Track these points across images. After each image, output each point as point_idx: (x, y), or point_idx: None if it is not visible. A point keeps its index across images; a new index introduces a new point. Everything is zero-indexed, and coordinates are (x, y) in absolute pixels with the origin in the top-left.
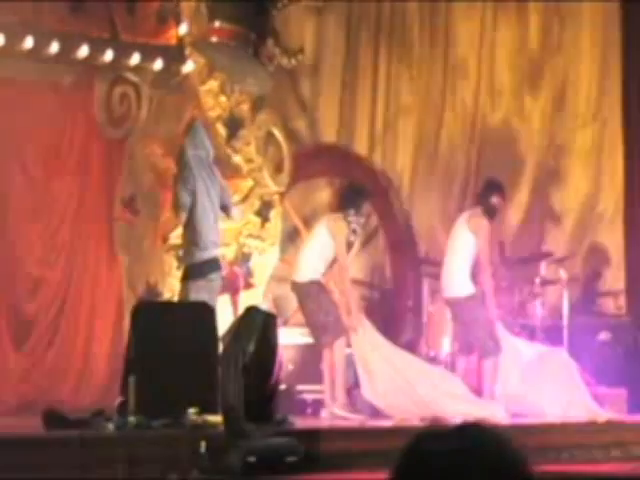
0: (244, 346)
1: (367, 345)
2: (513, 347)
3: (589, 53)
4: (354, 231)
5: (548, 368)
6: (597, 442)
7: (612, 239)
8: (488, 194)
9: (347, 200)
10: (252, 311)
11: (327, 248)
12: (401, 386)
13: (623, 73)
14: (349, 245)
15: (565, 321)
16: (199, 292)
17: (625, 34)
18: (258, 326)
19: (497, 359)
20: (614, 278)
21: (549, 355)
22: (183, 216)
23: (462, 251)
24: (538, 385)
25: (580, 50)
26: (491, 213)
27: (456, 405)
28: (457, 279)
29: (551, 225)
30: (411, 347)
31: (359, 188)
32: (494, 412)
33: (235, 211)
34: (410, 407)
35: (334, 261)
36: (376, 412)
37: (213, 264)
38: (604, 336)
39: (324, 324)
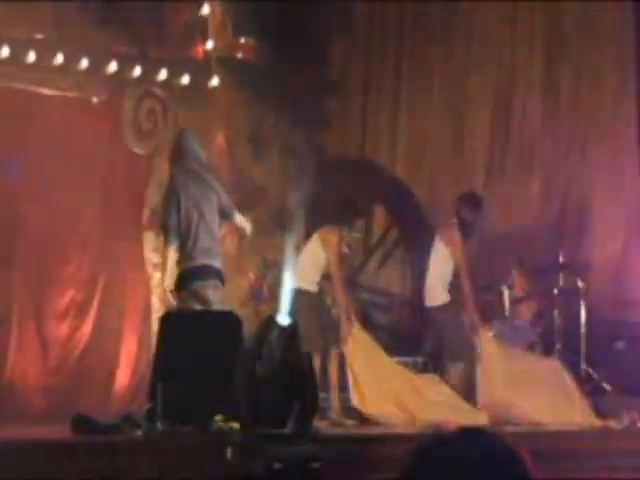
0: (262, 355)
1: (358, 353)
2: (500, 354)
3: None
4: (349, 245)
5: (538, 376)
6: (590, 449)
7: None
8: (462, 209)
9: (340, 215)
10: (270, 321)
11: (319, 259)
12: (386, 394)
13: None
14: (342, 257)
15: (582, 329)
16: (186, 302)
17: None
18: (280, 336)
19: (475, 366)
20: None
21: (540, 363)
22: (172, 236)
23: (438, 264)
24: (526, 393)
25: None
26: (466, 227)
27: (441, 413)
28: (433, 289)
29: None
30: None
31: (352, 204)
32: (478, 420)
33: (239, 216)
34: (397, 415)
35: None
36: (365, 419)
37: (200, 273)
38: (621, 345)
39: (318, 332)
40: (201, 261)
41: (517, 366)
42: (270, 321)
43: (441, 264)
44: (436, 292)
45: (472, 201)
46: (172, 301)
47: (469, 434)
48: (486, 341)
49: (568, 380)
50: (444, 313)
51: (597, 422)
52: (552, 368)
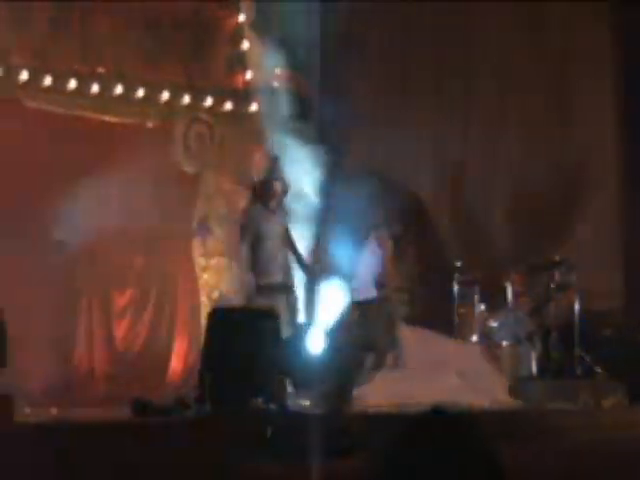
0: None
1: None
2: (425, 343)
3: None
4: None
5: (460, 361)
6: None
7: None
8: (392, 223)
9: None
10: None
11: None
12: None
13: None
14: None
15: (576, 320)
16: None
17: None
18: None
19: (398, 353)
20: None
21: (462, 349)
22: (243, 262)
23: (369, 262)
24: (446, 376)
25: None
26: (394, 238)
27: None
28: (364, 286)
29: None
30: None
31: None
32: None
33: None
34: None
35: None
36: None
37: (269, 289)
38: (608, 333)
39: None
40: (271, 279)
41: (432, 350)
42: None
43: (372, 263)
44: (366, 288)
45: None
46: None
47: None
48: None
49: (487, 363)
50: (372, 307)
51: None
52: (470, 352)
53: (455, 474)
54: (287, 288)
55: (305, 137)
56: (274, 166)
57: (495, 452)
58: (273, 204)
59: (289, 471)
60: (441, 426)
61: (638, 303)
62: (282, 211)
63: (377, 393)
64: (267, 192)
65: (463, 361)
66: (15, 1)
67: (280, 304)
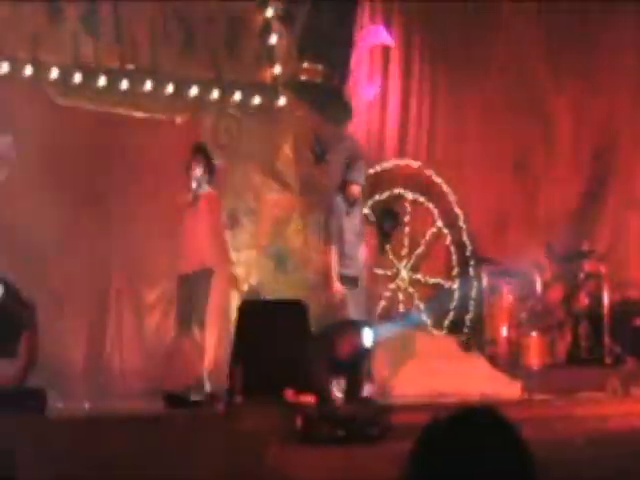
0: (331, 338)
1: None
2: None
3: None
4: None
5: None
6: None
7: None
8: (382, 222)
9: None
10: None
11: None
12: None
13: None
14: None
15: (605, 309)
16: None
17: None
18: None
19: None
20: None
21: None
22: (331, 242)
23: None
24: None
25: None
26: (386, 237)
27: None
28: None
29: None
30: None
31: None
32: (511, 390)
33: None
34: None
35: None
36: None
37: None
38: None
39: None
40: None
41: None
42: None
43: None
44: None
45: (392, 215)
46: None
47: (473, 414)
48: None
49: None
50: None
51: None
52: (447, 345)
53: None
54: (357, 282)
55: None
56: (354, 167)
57: (527, 449)
58: (351, 202)
59: (320, 459)
60: (475, 428)
61: None
62: (358, 209)
63: (408, 385)
64: (346, 192)
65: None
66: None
67: (351, 296)
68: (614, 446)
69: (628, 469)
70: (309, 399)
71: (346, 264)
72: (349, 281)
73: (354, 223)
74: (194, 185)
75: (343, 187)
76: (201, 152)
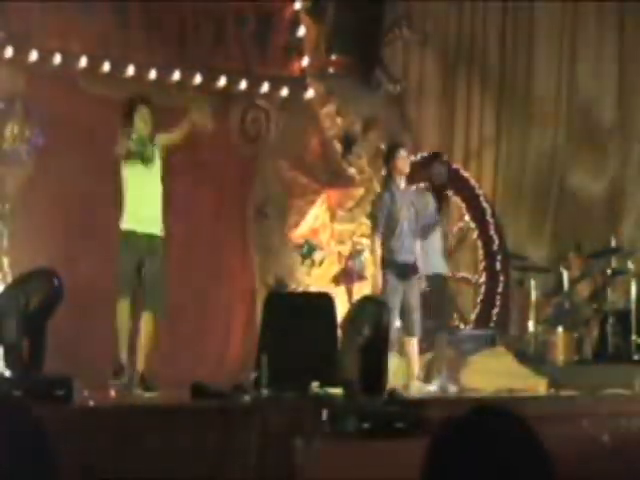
0: (359, 330)
1: None
2: None
3: None
4: None
5: None
6: None
7: None
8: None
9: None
10: (365, 300)
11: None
12: None
13: None
14: None
15: (632, 305)
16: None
17: None
18: (371, 313)
19: None
20: None
21: None
22: (378, 231)
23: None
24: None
25: None
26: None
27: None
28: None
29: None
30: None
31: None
32: (538, 386)
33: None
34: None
35: None
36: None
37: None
38: None
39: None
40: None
41: None
42: (363, 301)
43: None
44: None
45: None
46: None
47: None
48: None
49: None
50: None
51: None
52: None
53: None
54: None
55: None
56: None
57: (541, 447)
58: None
59: (346, 450)
60: (489, 427)
61: None
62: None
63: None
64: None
65: None
66: None
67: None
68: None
69: None
70: (335, 392)
71: (397, 251)
72: (401, 269)
73: (403, 208)
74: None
75: (387, 173)
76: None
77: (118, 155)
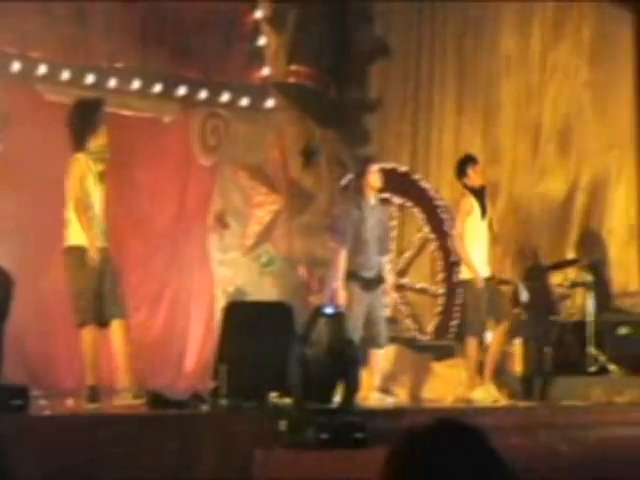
0: (310, 341)
1: None
2: None
3: None
4: None
5: None
6: None
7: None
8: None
9: None
10: (320, 310)
11: None
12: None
13: None
14: None
15: (589, 318)
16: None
17: None
18: (326, 323)
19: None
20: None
21: None
22: (343, 245)
23: None
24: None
25: None
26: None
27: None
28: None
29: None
30: None
31: None
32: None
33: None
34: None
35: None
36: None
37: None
38: (623, 330)
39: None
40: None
41: None
42: (318, 311)
43: None
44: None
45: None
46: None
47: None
48: None
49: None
50: None
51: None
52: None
53: None
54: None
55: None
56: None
57: (500, 462)
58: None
59: (304, 461)
60: (447, 439)
61: None
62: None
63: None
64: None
65: None
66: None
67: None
68: (596, 454)
69: (610, 477)
70: (294, 401)
71: (364, 266)
72: (367, 283)
73: (371, 224)
74: None
75: (357, 188)
76: None
77: None
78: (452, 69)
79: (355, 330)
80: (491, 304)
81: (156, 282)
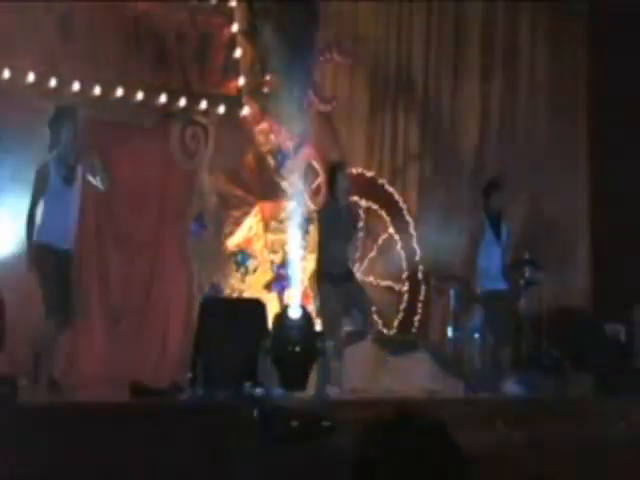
0: (281, 336)
1: None
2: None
3: None
4: None
5: None
6: None
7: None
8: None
9: None
10: (289, 307)
11: None
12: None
13: None
14: None
15: (544, 316)
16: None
17: None
18: (294, 319)
19: None
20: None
21: None
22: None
23: None
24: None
25: None
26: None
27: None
28: None
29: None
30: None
31: None
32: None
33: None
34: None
35: None
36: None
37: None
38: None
39: None
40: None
41: None
42: (287, 308)
43: None
44: None
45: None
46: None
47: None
48: None
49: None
50: None
51: None
52: None
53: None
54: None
55: None
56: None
57: (458, 456)
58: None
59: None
60: (406, 434)
61: (604, 300)
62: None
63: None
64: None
65: None
66: (23, 1)
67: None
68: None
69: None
70: (266, 391)
71: (334, 265)
72: (336, 279)
73: (347, 228)
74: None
75: (330, 189)
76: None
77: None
78: (418, 80)
79: (334, 325)
80: None
81: (137, 283)
